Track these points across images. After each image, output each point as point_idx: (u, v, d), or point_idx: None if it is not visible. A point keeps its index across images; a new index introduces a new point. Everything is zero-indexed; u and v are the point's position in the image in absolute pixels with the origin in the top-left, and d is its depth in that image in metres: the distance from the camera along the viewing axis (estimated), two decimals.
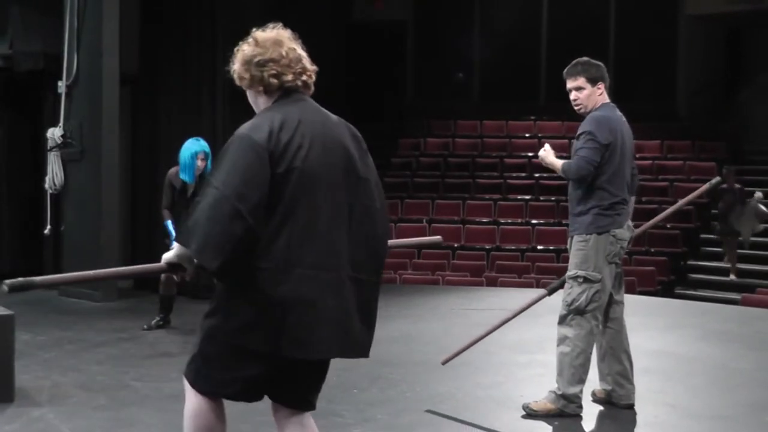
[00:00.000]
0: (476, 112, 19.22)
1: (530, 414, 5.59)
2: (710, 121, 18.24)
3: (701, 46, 18.80)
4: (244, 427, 4.91)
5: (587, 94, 5.57)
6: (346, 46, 18.74)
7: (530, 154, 16.89)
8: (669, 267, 14.93)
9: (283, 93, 3.38)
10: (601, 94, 5.60)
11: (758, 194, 14.64)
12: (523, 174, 17.44)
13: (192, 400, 3.39)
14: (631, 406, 5.74)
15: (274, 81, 3.34)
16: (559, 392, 5.53)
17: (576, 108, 5.64)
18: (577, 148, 5.49)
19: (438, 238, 4.82)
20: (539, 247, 15.47)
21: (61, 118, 10.78)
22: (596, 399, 5.86)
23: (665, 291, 14.01)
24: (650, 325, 8.71)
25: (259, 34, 3.40)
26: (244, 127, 3.25)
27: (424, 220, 16.18)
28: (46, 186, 10.92)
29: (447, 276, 14.31)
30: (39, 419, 5.50)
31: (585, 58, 5.66)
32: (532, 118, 19.14)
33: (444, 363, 6.53)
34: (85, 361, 7.15)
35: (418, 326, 8.97)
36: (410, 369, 6.98)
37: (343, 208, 3.29)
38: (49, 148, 10.79)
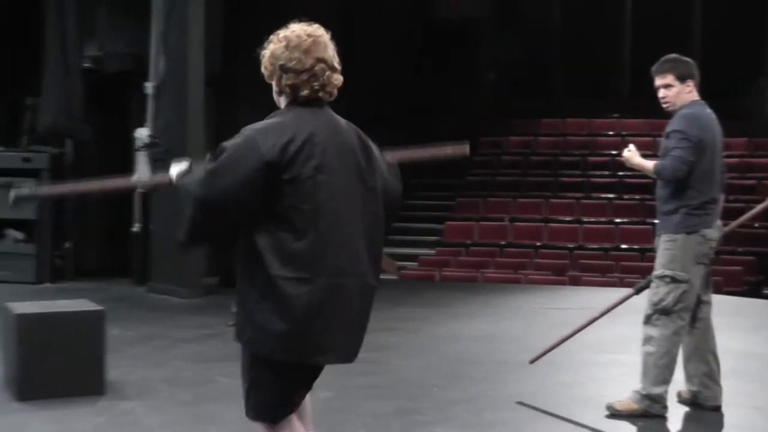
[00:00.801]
0: (558, 110, 19.04)
1: (614, 414, 5.54)
2: None
3: None
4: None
5: (676, 91, 5.48)
6: (423, 43, 18.73)
7: (614, 152, 16.68)
8: (756, 267, 14.60)
9: (298, 101, 3.37)
10: (690, 92, 5.49)
11: None
12: (607, 172, 17.24)
13: None
14: (717, 408, 5.64)
15: (289, 91, 3.36)
16: (644, 392, 5.47)
17: (664, 106, 5.55)
18: (669, 147, 5.38)
19: (463, 148, 4.16)
20: (623, 246, 15.27)
21: (148, 118, 11.00)
22: (682, 400, 5.77)
23: (752, 291, 13.70)
24: (737, 325, 8.53)
25: (294, 35, 3.38)
26: (253, 127, 3.26)
27: (506, 219, 16.09)
28: None
29: (529, 275, 14.23)
30: (128, 412, 5.64)
31: (674, 55, 5.57)
32: (616, 115, 18.91)
33: (532, 362, 6.52)
34: (171, 357, 7.30)
35: (500, 325, 8.94)
36: (492, 368, 6.97)
37: (359, 216, 3.32)
38: (136, 147, 11.01)
